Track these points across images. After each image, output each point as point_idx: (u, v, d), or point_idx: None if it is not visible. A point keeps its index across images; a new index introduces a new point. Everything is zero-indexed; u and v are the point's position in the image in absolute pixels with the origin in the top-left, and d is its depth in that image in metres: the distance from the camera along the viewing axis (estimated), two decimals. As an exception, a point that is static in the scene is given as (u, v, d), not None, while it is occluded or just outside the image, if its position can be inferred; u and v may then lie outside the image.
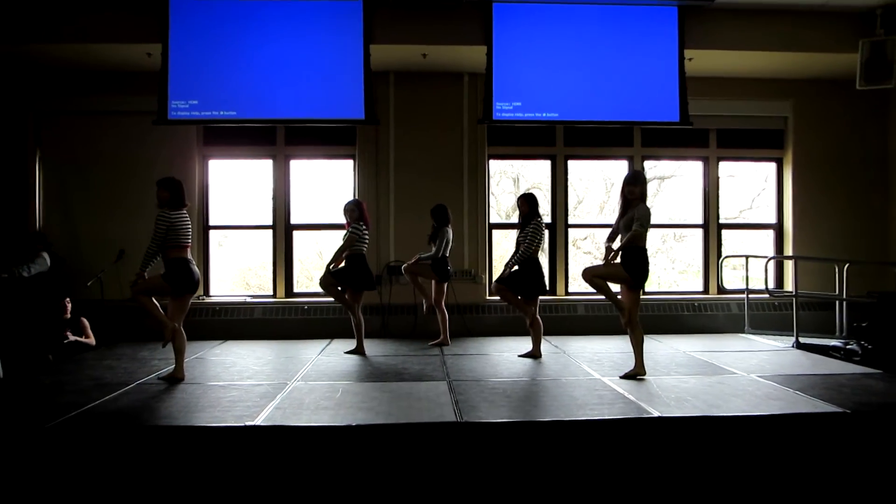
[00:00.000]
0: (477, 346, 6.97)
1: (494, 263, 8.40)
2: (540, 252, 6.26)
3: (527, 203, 6.26)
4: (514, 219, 9.42)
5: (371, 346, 6.87)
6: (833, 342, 6.83)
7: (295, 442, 3.91)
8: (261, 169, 8.40)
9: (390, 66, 7.84)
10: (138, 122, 7.61)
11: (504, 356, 6.40)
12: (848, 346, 6.53)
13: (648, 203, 5.31)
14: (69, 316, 6.77)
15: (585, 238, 10.59)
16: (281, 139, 8.18)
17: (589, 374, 5.49)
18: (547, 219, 8.33)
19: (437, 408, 4.36)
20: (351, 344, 6.66)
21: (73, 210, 7.87)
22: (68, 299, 6.80)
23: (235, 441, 3.91)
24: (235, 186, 8.67)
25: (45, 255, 6.98)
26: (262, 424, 4.00)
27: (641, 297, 5.49)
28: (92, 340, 6.85)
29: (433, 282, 6.95)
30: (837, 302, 7.35)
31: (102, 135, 7.85)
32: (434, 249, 6.85)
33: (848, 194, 8.34)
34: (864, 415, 4.24)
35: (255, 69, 7.25)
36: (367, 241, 6.60)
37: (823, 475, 3.98)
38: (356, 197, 7.96)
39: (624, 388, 4.93)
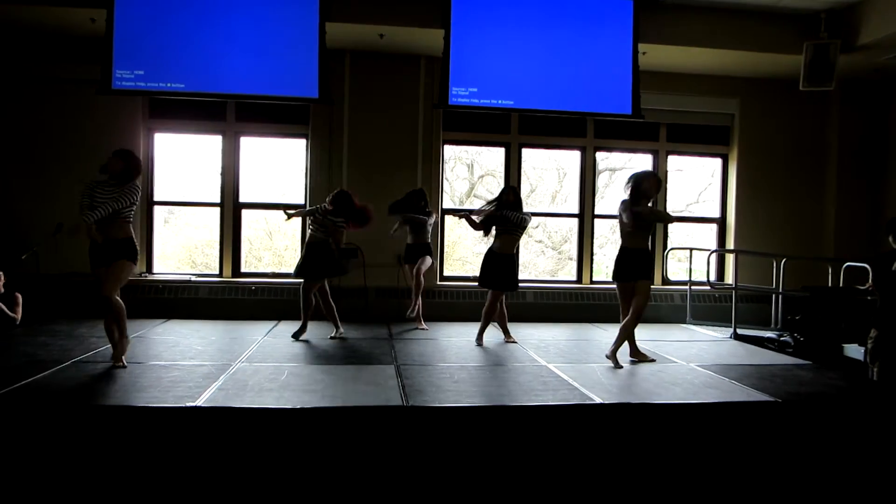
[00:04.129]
0: (426, 331, 6.98)
1: (447, 248, 8.40)
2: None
3: (516, 194, 6.40)
4: (468, 205, 9.46)
5: (320, 329, 6.80)
6: (768, 334, 7.11)
7: (237, 424, 3.85)
8: (209, 145, 8.18)
9: (346, 46, 7.71)
10: (80, 91, 7.27)
11: (452, 341, 6.43)
12: (782, 338, 6.81)
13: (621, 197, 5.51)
14: (2, 290, 6.48)
15: (537, 226, 10.69)
16: (231, 115, 7.96)
17: (535, 361, 5.57)
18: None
19: (384, 392, 4.36)
20: (309, 327, 6.54)
21: (9, 181, 7.50)
22: (0, 273, 6.51)
23: (175, 422, 3.82)
24: (182, 162, 8.42)
25: (-25, 227, 6.66)
26: (204, 405, 3.93)
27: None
28: (18, 317, 6.57)
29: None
30: (774, 295, 7.64)
31: (41, 103, 7.48)
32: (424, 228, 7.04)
33: (787, 191, 8.65)
34: (794, 404, 4.43)
35: (206, 41, 7.01)
36: (328, 228, 6.32)
37: (755, 460, 4.15)
38: (308, 177, 7.86)
39: (568, 375, 5.02)
